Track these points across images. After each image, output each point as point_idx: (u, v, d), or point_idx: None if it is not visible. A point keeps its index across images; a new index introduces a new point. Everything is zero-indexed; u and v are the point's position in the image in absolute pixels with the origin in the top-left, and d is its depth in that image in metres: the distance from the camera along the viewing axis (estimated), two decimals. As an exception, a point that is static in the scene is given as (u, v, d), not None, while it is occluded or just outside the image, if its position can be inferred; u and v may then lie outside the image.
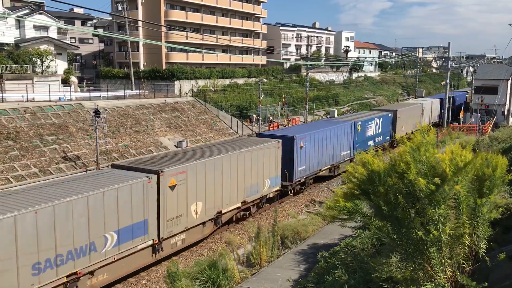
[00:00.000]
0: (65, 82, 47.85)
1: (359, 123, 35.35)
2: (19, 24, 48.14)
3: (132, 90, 51.37)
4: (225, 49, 69.54)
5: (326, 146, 30.38)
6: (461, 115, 55.51)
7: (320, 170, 30.36)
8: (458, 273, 6.80)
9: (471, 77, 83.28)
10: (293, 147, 26.54)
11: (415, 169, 6.69)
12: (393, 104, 62.69)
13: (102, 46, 72.76)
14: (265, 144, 24.40)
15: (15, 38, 47.64)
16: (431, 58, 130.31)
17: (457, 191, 6.53)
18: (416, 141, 7.33)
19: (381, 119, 38.82)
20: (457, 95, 65.36)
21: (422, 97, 69.78)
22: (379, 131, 38.56)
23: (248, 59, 72.27)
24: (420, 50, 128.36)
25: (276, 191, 25.83)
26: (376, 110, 43.49)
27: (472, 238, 6.93)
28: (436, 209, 6.46)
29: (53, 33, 51.39)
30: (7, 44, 46.74)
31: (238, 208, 22.69)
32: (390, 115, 40.97)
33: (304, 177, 28.62)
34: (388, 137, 40.86)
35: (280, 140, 25.55)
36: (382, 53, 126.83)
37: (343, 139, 32.69)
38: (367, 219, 7.62)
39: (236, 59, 67.81)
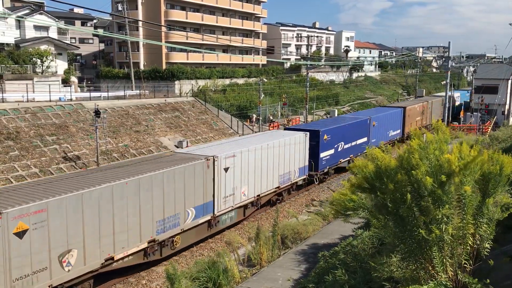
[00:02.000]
0: (65, 82, 47.84)
1: None
2: (19, 24, 48.13)
3: (132, 90, 51.37)
4: (225, 49, 69.49)
5: None
6: (461, 114, 55.55)
7: None
8: (460, 272, 6.80)
9: (471, 77, 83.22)
10: None
11: (423, 167, 6.66)
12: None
13: (102, 46, 72.76)
14: None
15: (15, 38, 47.63)
16: (431, 58, 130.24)
17: (464, 191, 6.52)
18: (428, 138, 7.34)
19: None
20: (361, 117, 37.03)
21: (422, 96, 69.24)
22: None
23: (248, 59, 72.25)
24: (420, 49, 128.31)
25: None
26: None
27: (475, 238, 6.93)
28: (440, 209, 6.46)
29: (53, 33, 51.38)
30: (7, 44, 46.74)
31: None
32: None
33: None
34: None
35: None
36: (382, 52, 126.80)
37: None
38: (370, 215, 7.60)
39: (236, 59, 67.77)
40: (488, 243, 7.01)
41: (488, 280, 6.37)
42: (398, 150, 8.22)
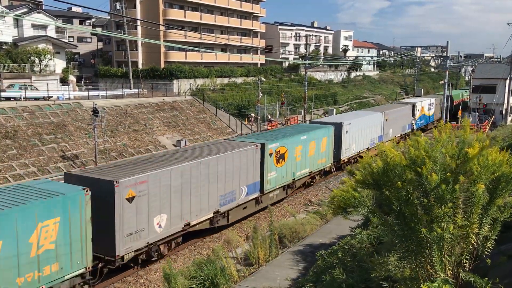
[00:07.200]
0: (64, 81, 47.78)
1: None
2: (17, 23, 48.05)
3: (130, 89, 51.29)
4: (224, 48, 69.45)
5: None
6: (459, 114, 55.59)
7: None
8: (462, 271, 6.79)
9: (469, 76, 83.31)
10: None
11: (429, 164, 6.62)
12: None
13: (100, 45, 72.66)
14: None
15: (13, 37, 47.53)
16: (430, 57, 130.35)
17: (476, 190, 6.48)
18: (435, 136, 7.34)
19: None
20: None
21: (421, 96, 69.33)
22: None
23: (246, 58, 72.21)
24: (419, 49, 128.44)
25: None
26: None
27: (477, 237, 6.91)
28: (443, 207, 6.43)
29: (51, 32, 51.29)
30: (5, 43, 46.64)
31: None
32: None
33: None
34: None
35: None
36: (381, 52, 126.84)
37: None
38: (371, 213, 7.55)
39: (235, 58, 67.73)
40: (491, 243, 7.00)
41: (497, 279, 6.36)
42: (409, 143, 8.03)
